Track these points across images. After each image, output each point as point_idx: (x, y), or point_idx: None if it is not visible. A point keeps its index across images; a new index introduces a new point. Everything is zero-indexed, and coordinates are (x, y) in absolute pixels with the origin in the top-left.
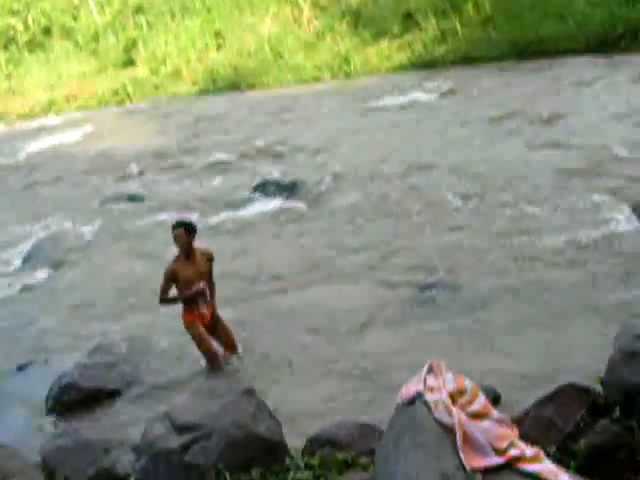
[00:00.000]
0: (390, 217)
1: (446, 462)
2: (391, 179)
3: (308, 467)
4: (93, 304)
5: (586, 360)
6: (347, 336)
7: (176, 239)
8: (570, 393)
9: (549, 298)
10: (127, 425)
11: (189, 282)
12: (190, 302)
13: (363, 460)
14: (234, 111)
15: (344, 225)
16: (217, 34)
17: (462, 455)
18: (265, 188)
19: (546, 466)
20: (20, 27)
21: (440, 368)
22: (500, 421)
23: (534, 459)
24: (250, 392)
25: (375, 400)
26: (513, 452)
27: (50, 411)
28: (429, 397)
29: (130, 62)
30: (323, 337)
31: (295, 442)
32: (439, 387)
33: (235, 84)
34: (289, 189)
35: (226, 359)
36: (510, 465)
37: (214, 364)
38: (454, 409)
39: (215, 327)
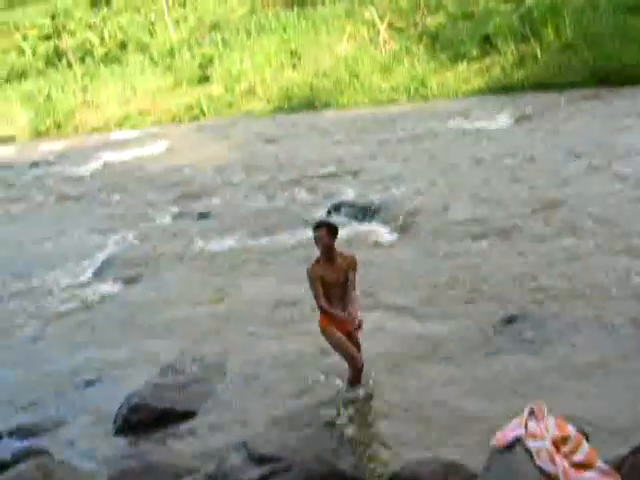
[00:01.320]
0: (474, 241)
1: None
2: (469, 207)
3: None
4: (164, 322)
5: None
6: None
7: (317, 240)
8: None
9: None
10: (198, 451)
11: (328, 287)
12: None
13: None
14: (308, 130)
15: (423, 253)
16: (293, 53)
17: None
18: (341, 209)
19: None
20: (96, 41)
21: (542, 412)
22: (605, 472)
23: None
24: (332, 425)
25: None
26: None
27: (118, 431)
28: (531, 443)
29: (205, 79)
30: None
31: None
32: (541, 433)
33: (310, 103)
34: (366, 212)
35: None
36: None
37: (357, 366)
38: (558, 458)
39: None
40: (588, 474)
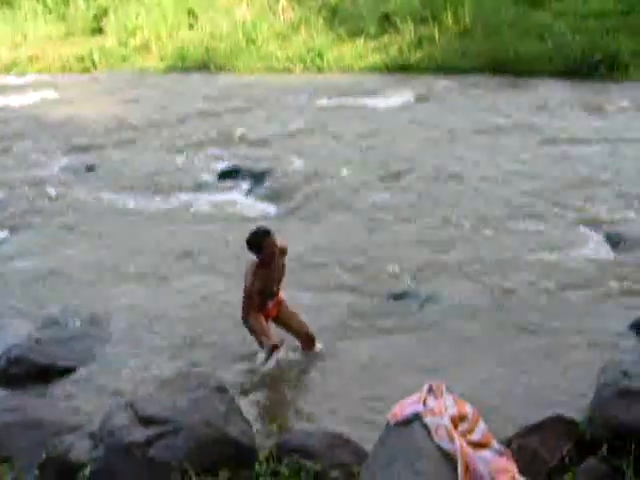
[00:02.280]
0: (360, 218)
1: None
2: (364, 180)
3: (277, 475)
4: (45, 274)
5: (572, 391)
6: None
7: (264, 250)
8: (556, 425)
9: (532, 319)
10: (81, 409)
11: (265, 288)
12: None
13: (334, 473)
14: (203, 92)
15: (313, 224)
16: (190, 12)
17: None
18: (232, 175)
19: None
20: None
21: (441, 389)
22: (501, 453)
23: None
24: (222, 389)
25: (348, 410)
26: None
27: None
28: (429, 420)
29: (99, 31)
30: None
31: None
32: (440, 410)
33: (205, 65)
34: (258, 178)
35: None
36: None
37: (271, 355)
38: (456, 436)
39: (283, 318)
40: (484, 453)
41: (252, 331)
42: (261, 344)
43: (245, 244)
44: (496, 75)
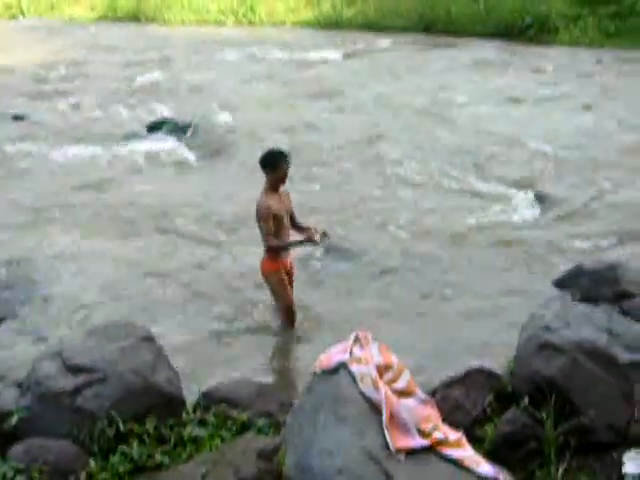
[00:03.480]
0: None
1: (370, 439)
2: (288, 133)
3: (204, 423)
4: None
5: (496, 344)
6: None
7: (281, 170)
8: (479, 377)
9: (452, 276)
10: (8, 357)
11: (279, 222)
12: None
13: (260, 422)
14: (132, 43)
15: (237, 174)
16: None
17: (388, 434)
18: (160, 126)
19: (468, 453)
20: None
21: (367, 339)
22: (424, 401)
23: (457, 444)
24: (150, 339)
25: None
26: (437, 435)
27: None
28: (355, 368)
29: None
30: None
31: (190, 395)
32: (366, 359)
33: (135, 15)
34: (184, 130)
35: None
36: (434, 448)
37: (292, 322)
38: (381, 384)
39: (291, 278)
40: (408, 401)
41: (279, 248)
42: (304, 242)
43: (259, 162)
44: (427, 34)
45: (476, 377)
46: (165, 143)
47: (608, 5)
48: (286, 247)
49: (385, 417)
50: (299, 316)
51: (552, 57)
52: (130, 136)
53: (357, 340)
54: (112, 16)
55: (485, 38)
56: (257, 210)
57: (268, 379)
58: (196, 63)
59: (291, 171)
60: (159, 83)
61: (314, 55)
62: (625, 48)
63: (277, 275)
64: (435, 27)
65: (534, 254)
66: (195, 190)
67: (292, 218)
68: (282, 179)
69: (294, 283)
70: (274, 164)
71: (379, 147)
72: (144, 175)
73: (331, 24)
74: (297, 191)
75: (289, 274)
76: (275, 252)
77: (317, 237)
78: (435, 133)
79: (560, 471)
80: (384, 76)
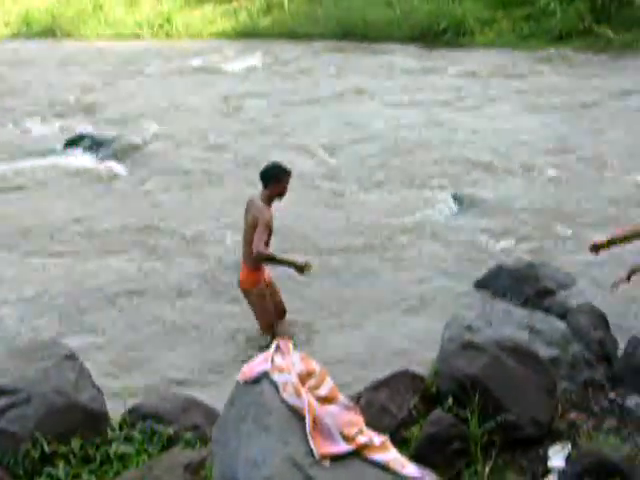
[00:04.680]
0: (210, 184)
1: (294, 447)
2: (212, 143)
3: (130, 440)
4: None
5: (419, 347)
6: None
7: (283, 185)
8: (404, 380)
9: (374, 281)
10: None
11: (269, 235)
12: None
13: (187, 436)
14: (47, 59)
15: (158, 189)
16: None
17: (311, 441)
18: (78, 141)
19: (393, 455)
20: None
21: (288, 347)
22: (347, 406)
23: (381, 448)
24: (72, 357)
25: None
26: (362, 440)
27: None
28: (277, 377)
29: None
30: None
31: (116, 413)
32: (287, 367)
33: (51, 31)
34: (103, 145)
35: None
36: (358, 453)
37: (273, 335)
38: (303, 391)
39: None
40: (331, 407)
41: (269, 260)
42: (290, 264)
43: (261, 173)
44: (345, 41)
45: (401, 380)
46: (83, 158)
47: (522, 7)
48: (277, 261)
49: (308, 424)
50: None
51: (468, 60)
52: (47, 152)
53: (278, 349)
54: (27, 32)
55: (402, 43)
56: (257, 217)
57: (194, 391)
58: (114, 77)
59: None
60: (77, 98)
61: (232, 65)
62: (539, 49)
63: (259, 288)
64: (352, 33)
65: (456, 255)
66: (106, 205)
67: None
68: (280, 195)
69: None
70: (277, 178)
71: (296, 152)
72: (54, 189)
73: (249, 34)
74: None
75: (269, 285)
76: (257, 265)
77: (307, 266)
78: (354, 137)
79: (487, 469)
80: (301, 83)
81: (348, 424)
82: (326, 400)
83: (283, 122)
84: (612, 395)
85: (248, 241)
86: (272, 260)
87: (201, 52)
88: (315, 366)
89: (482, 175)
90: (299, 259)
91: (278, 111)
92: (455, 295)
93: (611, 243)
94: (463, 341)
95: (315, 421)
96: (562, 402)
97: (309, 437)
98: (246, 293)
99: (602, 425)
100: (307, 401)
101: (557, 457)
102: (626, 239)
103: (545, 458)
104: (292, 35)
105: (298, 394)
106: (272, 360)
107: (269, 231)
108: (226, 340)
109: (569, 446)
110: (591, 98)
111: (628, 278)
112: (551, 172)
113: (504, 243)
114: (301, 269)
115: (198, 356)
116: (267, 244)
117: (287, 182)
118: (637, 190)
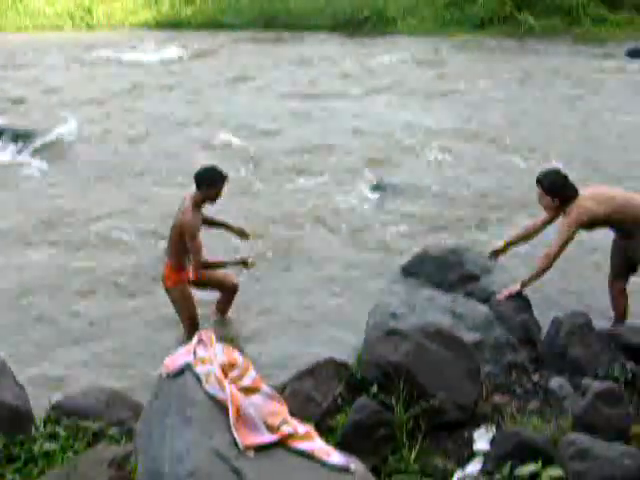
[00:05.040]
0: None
1: (218, 438)
2: (132, 135)
3: (55, 437)
4: None
5: (344, 335)
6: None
7: (218, 190)
8: (328, 368)
9: (296, 268)
10: None
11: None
12: (182, 258)
13: (113, 431)
14: None
15: (82, 182)
16: None
17: (235, 431)
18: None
19: (318, 444)
20: None
21: (210, 339)
22: (271, 396)
23: (306, 437)
24: None
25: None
26: (286, 429)
27: None
28: (199, 369)
29: None
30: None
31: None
32: (210, 359)
33: None
34: (25, 137)
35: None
36: (283, 443)
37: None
38: (226, 382)
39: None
40: (254, 397)
41: (209, 266)
42: (233, 264)
43: (195, 177)
44: (268, 30)
45: (325, 368)
46: (3, 153)
47: None
48: (218, 265)
49: (232, 415)
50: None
51: (391, 47)
52: None
53: (201, 341)
54: None
55: (325, 32)
56: (183, 226)
57: (119, 384)
58: (34, 69)
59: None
60: None
61: (153, 56)
62: (462, 36)
63: (183, 287)
64: (275, 23)
65: (380, 242)
66: (18, 199)
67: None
68: (214, 199)
69: None
70: (212, 182)
71: (223, 139)
72: None
73: (171, 24)
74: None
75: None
76: (181, 264)
77: (249, 261)
78: (268, 127)
79: (413, 454)
80: (223, 73)
81: (272, 414)
82: (249, 390)
83: (199, 113)
84: (535, 377)
85: (173, 241)
86: (215, 266)
87: (122, 43)
88: (238, 357)
89: (400, 162)
90: (237, 257)
91: (194, 102)
92: (379, 282)
93: (508, 246)
94: (387, 328)
95: (238, 412)
96: (486, 385)
97: (233, 428)
98: (168, 291)
99: (526, 407)
100: (230, 392)
101: (482, 440)
102: (521, 240)
103: (470, 441)
104: (215, 25)
105: (221, 385)
106: (194, 352)
107: (199, 235)
108: (146, 334)
109: (494, 429)
110: (504, 84)
111: (504, 249)
112: (467, 158)
113: (429, 230)
114: (245, 264)
115: (119, 351)
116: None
117: (221, 188)
118: None
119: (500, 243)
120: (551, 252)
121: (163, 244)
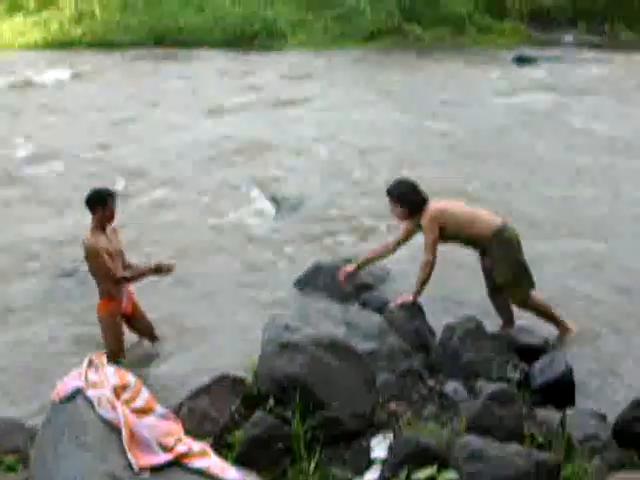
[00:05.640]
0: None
1: (113, 462)
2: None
3: None
4: None
5: (240, 350)
6: None
7: (109, 208)
8: (224, 384)
9: (189, 287)
10: None
11: (115, 257)
12: (107, 285)
13: (9, 459)
14: None
15: None
16: None
17: (129, 454)
18: None
19: (213, 461)
20: None
21: (101, 361)
22: (165, 416)
23: (201, 454)
24: None
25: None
26: (180, 448)
27: None
28: (91, 393)
29: None
30: None
31: None
32: (101, 382)
33: None
34: None
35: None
36: (178, 462)
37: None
38: (118, 405)
39: (136, 316)
40: (148, 419)
41: (129, 279)
42: (151, 272)
43: (86, 201)
44: (158, 48)
45: (221, 385)
46: None
47: (332, 8)
48: (136, 277)
49: (125, 437)
50: None
51: (281, 62)
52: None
53: (91, 364)
54: None
55: (216, 48)
56: (87, 251)
57: (16, 412)
58: None
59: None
60: None
61: (41, 77)
62: (351, 48)
63: (112, 319)
64: (166, 40)
65: (276, 254)
66: None
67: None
68: (109, 218)
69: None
70: (101, 203)
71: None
72: None
73: (61, 44)
74: None
75: (126, 314)
76: (112, 293)
77: (166, 265)
78: (167, 140)
79: (312, 465)
80: (111, 92)
81: (166, 434)
82: (143, 412)
83: (93, 135)
84: (431, 382)
85: (92, 271)
86: (133, 279)
87: (11, 65)
88: (130, 378)
89: (294, 176)
90: (151, 264)
91: (85, 123)
92: (274, 296)
93: (360, 268)
94: (281, 341)
95: (132, 434)
96: (382, 393)
97: (127, 450)
98: (99, 319)
99: (422, 413)
100: (123, 414)
101: (379, 448)
102: (375, 260)
103: (368, 450)
104: (105, 44)
105: (113, 408)
106: (85, 376)
107: (109, 255)
108: (44, 359)
109: (391, 436)
110: (380, 94)
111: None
112: (357, 174)
113: (324, 241)
114: (161, 270)
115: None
116: (115, 267)
117: (113, 204)
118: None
119: (352, 267)
120: (423, 262)
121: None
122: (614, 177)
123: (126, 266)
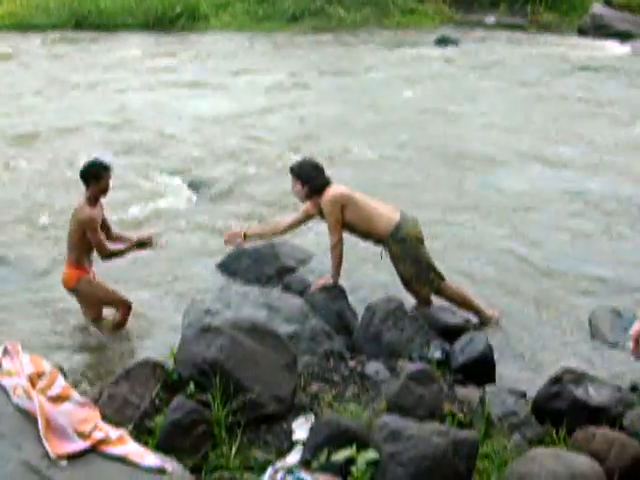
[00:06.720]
0: None
1: (29, 451)
2: None
3: None
4: None
5: (162, 336)
6: None
7: (104, 180)
8: (145, 370)
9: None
10: None
11: (103, 231)
12: (83, 256)
13: None
14: None
15: None
16: None
17: (45, 442)
18: None
19: (132, 447)
20: None
21: (16, 350)
22: (82, 404)
23: (119, 441)
24: None
25: None
26: (97, 435)
27: None
28: (6, 381)
29: None
30: None
31: None
32: (16, 370)
33: None
34: None
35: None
36: (95, 449)
37: (126, 319)
38: (34, 393)
39: None
40: (65, 406)
41: (116, 254)
42: (131, 247)
43: (80, 174)
44: (79, 31)
45: (141, 370)
46: None
47: None
48: (122, 252)
49: (41, 425)
50: None
51: (203, 43)
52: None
53: (6, 352)
54: None
55: (137, 30)
56: (80, 222)
57: None
58: None
59: None
60: None
61: None
62: (274, 30)
63: (85, 279)
64: (86, 22)
65: (195, 240)
66: None
67: (108, 230)
68: (104, 191)
69: None
70: (97, 176)
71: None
72: None
73: None
74: None
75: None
76: (84, 265)
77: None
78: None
79: (233, 449)
80: (29, 76)
81: (83, 421)
82: (59, 399)
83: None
84: (352, 364)
85: (74, 241)
86: (121, 253)
87: None
88: (46, 366)
89: (215, 160)
90: (135, 237)
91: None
92: (196, 281)
93: (246, 238)
94: (201, 325)
95: (48, 421)
96: (304, 375)
97: (43, 438)
98: (74, 290)
99: (344, 394)
100: (38, 402)
101: (301, 430)
102: (260, 236)
103: (290, 432)
104: (24, 27)
105: (29, 396)
106: (0, 364)
107: (99, 228)
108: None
109: (312, 418)
110: (299, 75)
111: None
112: (270, 155)
113: (246, 224)
114: (144, 244)
115: None
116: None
117: (108, 178)
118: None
119: (240, 232)
120: (331, 245)
121: None
122: None
123: (113, 237)
